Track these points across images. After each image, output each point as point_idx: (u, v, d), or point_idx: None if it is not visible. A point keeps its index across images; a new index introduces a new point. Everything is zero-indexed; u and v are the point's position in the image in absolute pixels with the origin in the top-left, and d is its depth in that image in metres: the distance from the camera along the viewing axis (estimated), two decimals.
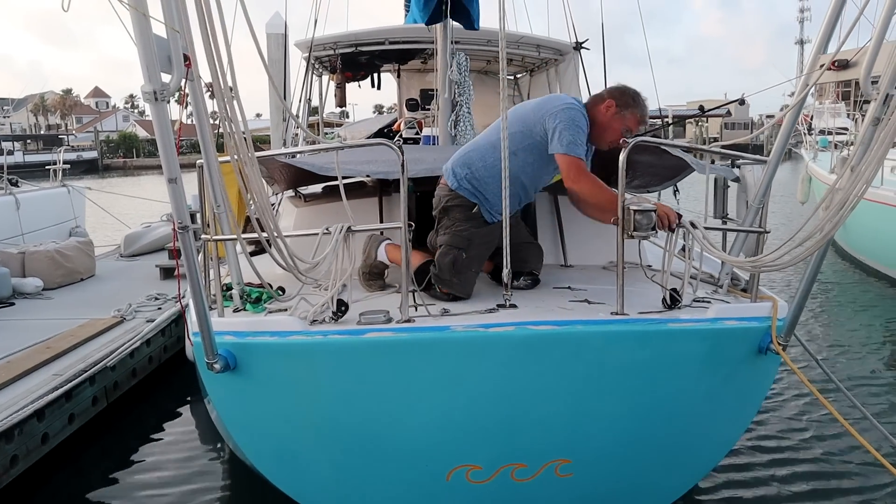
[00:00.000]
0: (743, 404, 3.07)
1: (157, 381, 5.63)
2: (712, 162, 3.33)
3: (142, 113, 77.57)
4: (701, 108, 11.72)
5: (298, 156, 3.80)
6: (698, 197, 3.13)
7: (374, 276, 3.34)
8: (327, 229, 2.78)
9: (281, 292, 3.04)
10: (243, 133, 2.34)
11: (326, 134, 10.17)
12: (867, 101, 2.28)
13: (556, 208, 4.10)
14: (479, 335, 2.48)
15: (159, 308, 6.08)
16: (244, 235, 2.85)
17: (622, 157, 2.61)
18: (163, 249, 8.69)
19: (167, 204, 2.32)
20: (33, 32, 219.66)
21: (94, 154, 53.65)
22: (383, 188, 3.99)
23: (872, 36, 2.32)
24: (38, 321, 5.76)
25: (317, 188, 4.51)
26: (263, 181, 2.67)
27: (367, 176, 3.54)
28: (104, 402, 4.81)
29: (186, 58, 2.22)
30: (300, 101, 7.11)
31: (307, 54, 6.79)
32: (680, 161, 3.36)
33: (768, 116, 48.95)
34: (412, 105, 7.59)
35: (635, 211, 2.57)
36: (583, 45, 7.14)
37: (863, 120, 2.46)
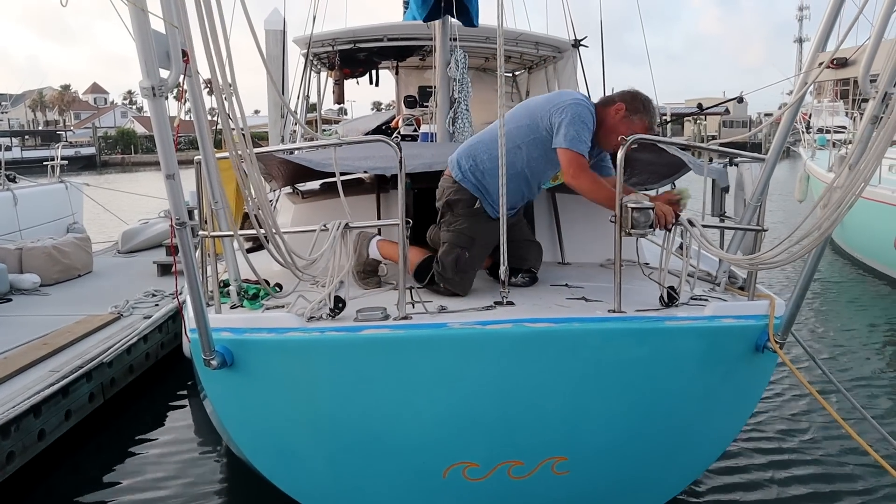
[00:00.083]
0: (740, 402, 3.07)
1: (154, 377, 5.63)
2: (710, 161, 3.33)
3: (140, 109, 77.39)
4: (699, 105, 11.75)
5: (296, 152, 3.80)
6: (696, 195, 3.13)
7: (369, 273, 3.34)
8: (325, 226, 2.78)
9: (278, 289, 3.04)
10: (242, 129, 2.34)
11: (324, 131, 10.16)
12: (866, 100, 2.27)
13: (554, 206, 4.10)
14: (477, 332, 2.48)
15: (156, 304, 6.08)
16: (242, 232, 2.84)
17: (620, 154, 2.61)
18: (160, 246, 8.70)
19: (165, 200, 2.31)
20: (31, 27, 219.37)
21: (91, 150, 53.46)
22: (381, 185, 3.99)
23: (871, 34, 2.31)
24: (34, 317, 5.76)
25: (314, 185, 4.51)
26: (261, 177, 2.67)
27: (365, 172, 3.53)
28: (101, 399, 4.81)
29: (185, 54, 2.21)
30: (298, 97, 7.10)
31: (305, 51, 6.78)
32: (678, 158, 3.36)
33: (767, 115, 48.99)
34: (410, 102, 7.60)
35: (633, 209, 2.57)
36: (581, 43, 7.14)
37: (861, 118, 2.45)
